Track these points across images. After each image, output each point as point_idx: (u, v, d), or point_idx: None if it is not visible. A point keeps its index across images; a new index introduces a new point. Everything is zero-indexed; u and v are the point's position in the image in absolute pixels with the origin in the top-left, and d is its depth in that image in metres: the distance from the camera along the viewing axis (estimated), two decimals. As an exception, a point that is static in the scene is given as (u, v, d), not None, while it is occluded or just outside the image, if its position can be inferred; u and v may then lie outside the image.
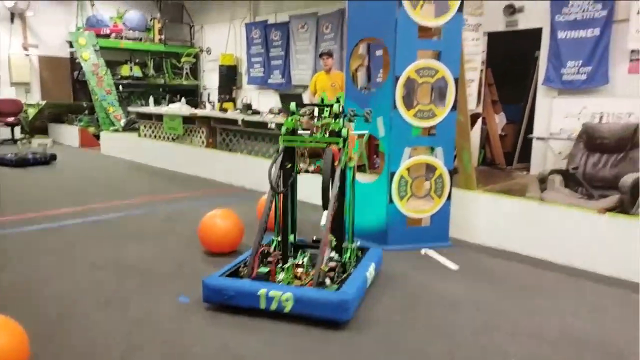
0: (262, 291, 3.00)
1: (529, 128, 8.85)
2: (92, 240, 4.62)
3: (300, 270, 3.36)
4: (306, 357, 2.67)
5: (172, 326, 2.95)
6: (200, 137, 8.68)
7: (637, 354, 2.73)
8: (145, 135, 10.11)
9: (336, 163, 3.38)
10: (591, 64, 7.68)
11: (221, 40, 14.57)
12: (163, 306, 3.22)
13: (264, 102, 12.74)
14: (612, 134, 4.81)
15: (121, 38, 13.82)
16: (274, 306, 2.98)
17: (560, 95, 8.16)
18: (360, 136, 3.90)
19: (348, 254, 3.53)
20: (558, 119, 8.04)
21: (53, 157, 8.96)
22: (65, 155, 9.82)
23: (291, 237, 3.66)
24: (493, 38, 9.09)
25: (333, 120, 3.46)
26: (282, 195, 3.52)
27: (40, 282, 3.61)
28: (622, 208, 4.18)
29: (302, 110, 3.59)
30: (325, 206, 3.27)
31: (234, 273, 3.35)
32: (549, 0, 8.01)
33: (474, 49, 9.03)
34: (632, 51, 7.33)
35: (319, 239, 3.46)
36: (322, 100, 3.72)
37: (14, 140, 11.53)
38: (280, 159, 3.46)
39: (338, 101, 3.67)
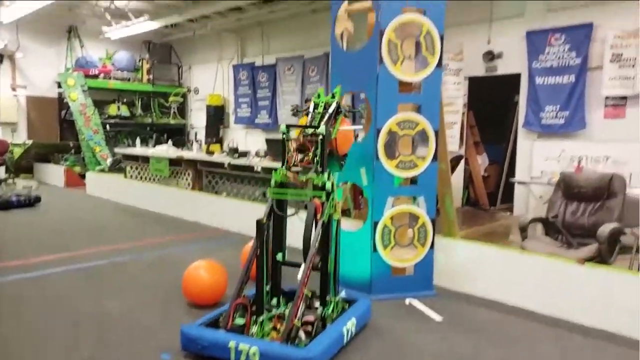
0: (232, 344, 3.04)
1: (511, 169, 9.05)
2: (76, 291, 4.59)
3: (279, 322, 3.35)
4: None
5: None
6: (186, 179, 8.73)
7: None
8: (131, 176, 10.13)
9: (318, 216, 3.43)
10: (568, 108, 7.93)
11: (209, 81, 14.80)
12: (146, 362, 3.21)
13: (251, 141, 12.93)
14: (589, 183, 4.95)
15: (110, 78, 13.98)
16: (242, 359, 3.01)
17: (540, 138, 8.38)
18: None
19: (330, 308, 3.53)
20: (539, 161, 8.25)
21: (37, 200, 8.91)
22: (50, 196, 9.78)
23: (279, 256, 3.64)
24: (474, 82, 9.37)
25: (316, 175, 3.52)
26: (266, 245, 3.53)
27: (19, 339, 3.56)
28: (601, 258, 4.28)
29: (292, 144, 3.64)
30: (305, 260, 3.30)
31: (215, 323, 3.37)
32: (526, 48, 8.33)
33: (456, 93, 9.31)
34: (607, 97, 7.61)
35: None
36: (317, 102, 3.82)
37: (-2, 181, 11.52)
38: (269, 207, 3.57)
39: (333, 96, 3.80)
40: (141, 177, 9.90)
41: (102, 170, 11.52)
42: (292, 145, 3.60)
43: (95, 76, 13.66)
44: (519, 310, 4.26)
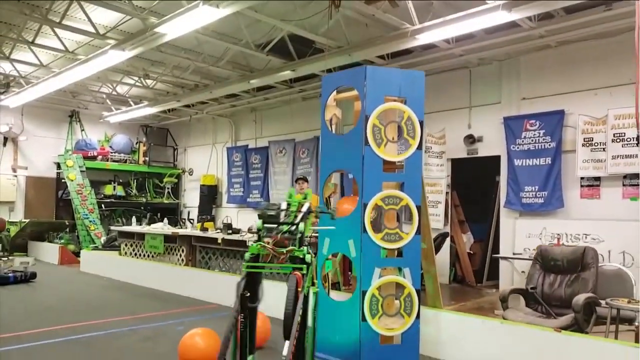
0: None
1: (496, 246, 9.35)
2: (74, 360, 4.72)
3: None
4: None
5: None
6: (180, 255, 8.94)
7: None
8: (126, 253, 10.30)
9: (300, 289, 3.37)
10: (546, 189, 8.38)
11: (203, 162, 15.33)
12: None
13: (243, 219, 13.21)
14: (564, 256, 5.27)
15: (107, 160, 14.48)
16: None
17: (521, 216, 8.76)
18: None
19: None
20: (521, 238, 8.59)
21: (33, 276, 9.07)
22: (45, 274, 9.89)
23: (250, 358, 3.54)
24: (456, 163, 9.87)
25: (297, 248, 3.53)
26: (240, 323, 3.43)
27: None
28: (577, 326, 4.50)
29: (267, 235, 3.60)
30: (286, 335, 3.20)
31: None
32: (504, 132, 8.92)
33: (439, 174, 9.78)
34: (582, 178, 8.09)
35: None
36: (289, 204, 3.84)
37: (-7, 259, 11.66)
38: (243, 284, 3.45)
39: (305, 197, 3.81)
40: (136, 254, 10.07)
41: (97, 248, 11.68)
42: (269, 241, 3.54)
43: (94, 157, 14.17)
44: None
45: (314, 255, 3.71)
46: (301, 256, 3.49)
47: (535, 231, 8.44)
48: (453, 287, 9.60)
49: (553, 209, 8.33)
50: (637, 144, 6.90)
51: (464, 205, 10.20)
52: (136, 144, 15.60)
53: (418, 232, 4.86)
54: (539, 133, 8.52)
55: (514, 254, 8.38)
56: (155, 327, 6.07)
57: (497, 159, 9.19)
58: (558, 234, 8.04)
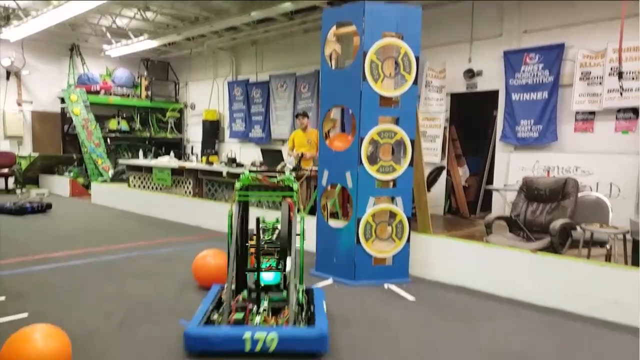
0: (247, 335, 3.24)
1: (490, 180, 9.71)
2: (96, 278, 5.19)
3: (264, 313, 3.63)
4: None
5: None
6: (187, 187, 9.34)
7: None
8: (134, 185, 10.72)
9: (292, 214, 3.80)
10: (542, 123, 8.63)
11: (205, 97, 15.47)
12: (168, 328, 3.82)
13: (245, 154, 13.54)
14: (546, 186, 5.62)
15: (110, 94, 14.64)
16: (259, 347, 3.24)
17: (516, 150, 9.06)
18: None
19: (300, 295, 3.91)
20: (515, 171, 8.92)
21: (49, 206, 9.56)
22: (59, 205, 10.37)
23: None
24: (455, 98, 10.06)
25: (287, 176, 3.96)
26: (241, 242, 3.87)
27: (59, 313, 4.11)
28: (553, 249, 4.92)
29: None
30: (283, 254, 3.66)
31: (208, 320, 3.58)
32: (504, 66, 9.05)
33: (438, 108, 9.99)
34: (577, 112, 8.31)
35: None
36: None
37: (7, 190, 12.13)
38: (239, 213, 3.79)
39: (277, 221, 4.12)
40: (144, 187, 10.49)
41: (105, 181, 12.11)
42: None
43: (97, 92, 14.32)
44: (483, 293, 4.88)
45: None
46: (290, 185, 3.87)
47: (528, 164, 8.76)
48: (447, 218, 10.05)
49: (547, 142, 8.60)
50: (619, 78, 7.10)
51: (461, 140, 10.47)
52: (137, 78, 15.67)
53: (411, 164, 5.19)
54: (538, 67, 8.65)
55: (505, 185, 8.74)
56: (169, 251, 6.55)
57: (495, 93, 9.36)
58: (549, 167, 8.38)
